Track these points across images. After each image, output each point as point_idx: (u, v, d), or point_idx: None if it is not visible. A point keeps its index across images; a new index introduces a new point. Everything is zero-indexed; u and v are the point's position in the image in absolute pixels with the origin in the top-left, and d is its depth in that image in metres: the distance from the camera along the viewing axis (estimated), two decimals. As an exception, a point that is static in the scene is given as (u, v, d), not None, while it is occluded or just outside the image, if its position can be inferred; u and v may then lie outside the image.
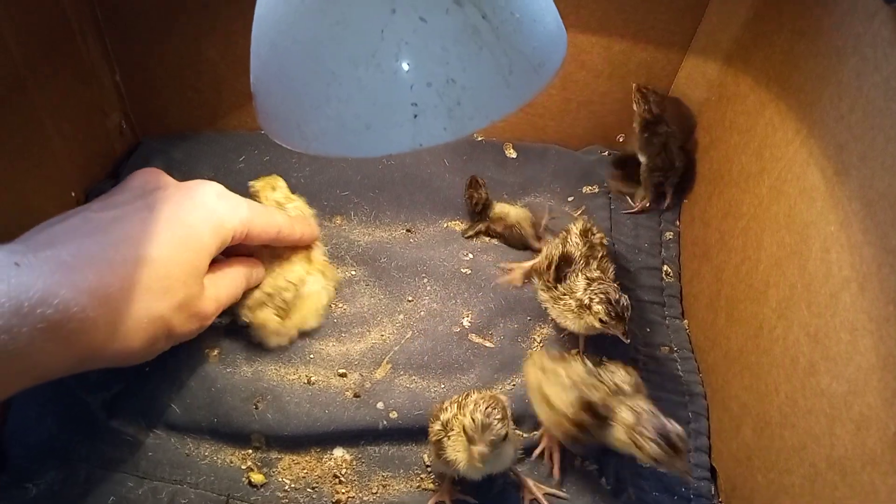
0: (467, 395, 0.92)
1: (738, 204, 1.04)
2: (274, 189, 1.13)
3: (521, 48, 0.68)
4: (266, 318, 1.06)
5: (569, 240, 1.10)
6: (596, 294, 0.99)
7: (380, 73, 0.65)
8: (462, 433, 0.86)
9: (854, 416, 0.73)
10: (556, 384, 0.94)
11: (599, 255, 1.08)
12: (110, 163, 1.28)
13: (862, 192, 0.76)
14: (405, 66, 0.64)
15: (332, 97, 0.66)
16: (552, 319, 1.10)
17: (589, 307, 0.99)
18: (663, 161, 1.22)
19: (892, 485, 0.67)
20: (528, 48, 0.69)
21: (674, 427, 0.85)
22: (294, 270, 1.07)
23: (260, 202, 1.09)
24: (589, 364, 0.95)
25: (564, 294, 1.04)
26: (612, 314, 0.97)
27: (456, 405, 0.90)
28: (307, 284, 1.08)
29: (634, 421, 0.87)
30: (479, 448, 0.83)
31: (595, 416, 0.90)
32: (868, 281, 0.73)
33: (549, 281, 1.07)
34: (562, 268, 1.07)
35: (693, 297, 1.17)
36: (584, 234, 1.11)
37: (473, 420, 0.84)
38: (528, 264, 1.18)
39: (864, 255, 0.74)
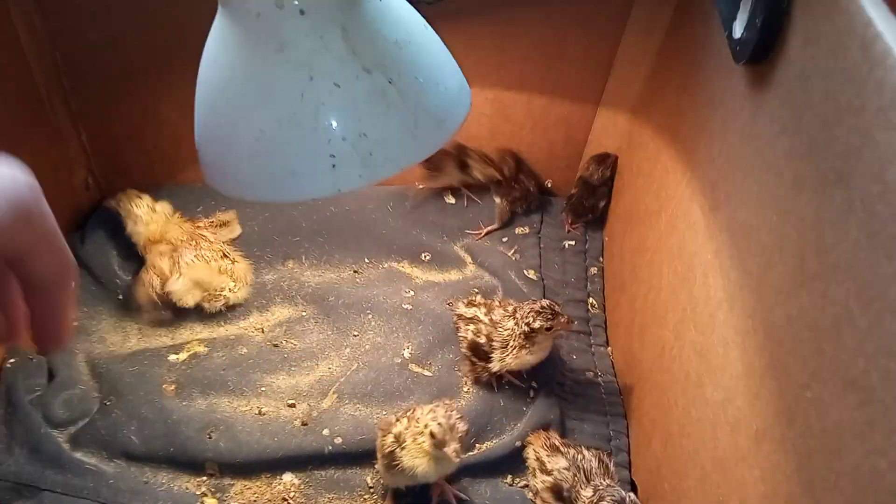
0: (413, 409, 1.01)
1: (644, 239, 1.16)
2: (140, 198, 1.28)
3: (424, 107, 0.80)
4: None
5: (470, 327, 1.18)
6: (526, 317, 1.09)
7: (301, 130, 0.76)
8: (424, 441, 0.95)
9: (729, 419, 0.83)
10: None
11: (494, 306, 1.20)
12: (77, 216, 1.37)
13: (728, 223, 0.87)
14: (323, 124, 0.76)
15: (261, 150, 0.77)
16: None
17: (533, 330, 1.09)
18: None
19: (757, 476, 0.77)
20: (431, 107, 0.80)
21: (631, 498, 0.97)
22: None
23: (125, 213, 1.25)
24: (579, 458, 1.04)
25: (504, 346, 1.12)
26: (549, 315, 1.08)
27: (406, 419, 1.00)
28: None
29: (593, 493, 0.98)
30: (454, 446, 0.94)
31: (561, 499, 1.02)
32: (734, 300, 0.84)
33: (484, 368, 1.16)
34: (480, 353, 1.15)
35: (615, 326, 1.28)
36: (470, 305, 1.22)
37: (441, 425, 0.94)
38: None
39: (730, 277, 0.85)
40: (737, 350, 0.83)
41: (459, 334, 1.21)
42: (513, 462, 1.12)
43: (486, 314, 1.17)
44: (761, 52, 0.78)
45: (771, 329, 0.75)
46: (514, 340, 1.12)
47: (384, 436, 1.01)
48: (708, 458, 0.88)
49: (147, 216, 1.25)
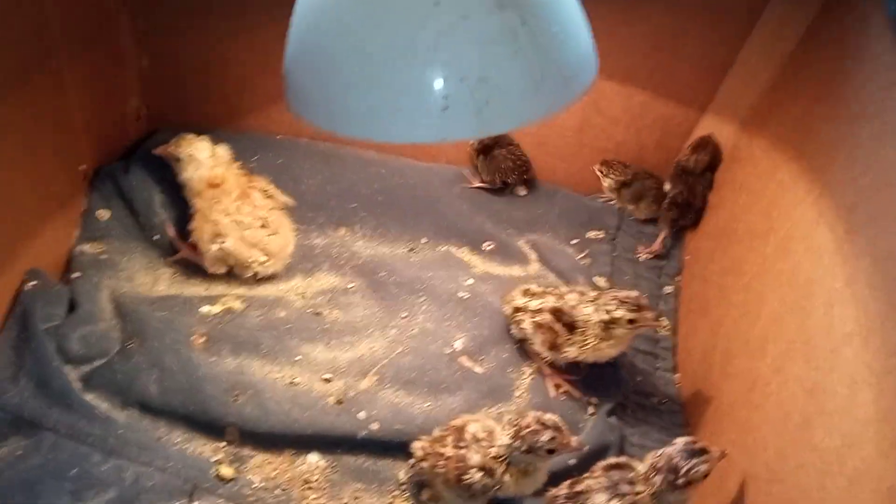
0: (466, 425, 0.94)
1: (742, 261, 1.05)
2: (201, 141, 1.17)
3: (554, 59, 0.70)
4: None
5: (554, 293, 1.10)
6: (609, 304, 1.01)
7: (416, 62, 0.66)
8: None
9: (847, 470, 0.72)
10: None
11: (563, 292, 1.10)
12: (123, 145, 1.29)
13: (870, 249, 0.77)
14: (442, 58, 0.66)
15: (365, 79, 0.68)
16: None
17: (613, 320, 1.00)
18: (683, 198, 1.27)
19: (881, 541, 0.66)
20: (561, 60, 0.71)
21: None
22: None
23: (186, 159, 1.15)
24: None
25: (585, 331, 1.03)
26: (635, 307, 0.99)
27: (477, 449, 0.91)
28: None
29: None
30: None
31: None
32: (872, 335, 0.73)
33: (567, 339, 1.05)
34: (563, 318, 1.05)
35: (687, 352, 1.17)
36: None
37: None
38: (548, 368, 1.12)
39: (868, 309, 0.74)
40: (869, 391, 0.72)
41: (520, 326, 1.09)
42: (565, 478, 1.00)
43: (557, 300, 1.07)
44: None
45: (926, 371, 0.64)
46: (591, 329, 1.02)
47: (464, 474, 0.90)
48: (809, 512, 0.77)
49: (211, 160, 1.15)
